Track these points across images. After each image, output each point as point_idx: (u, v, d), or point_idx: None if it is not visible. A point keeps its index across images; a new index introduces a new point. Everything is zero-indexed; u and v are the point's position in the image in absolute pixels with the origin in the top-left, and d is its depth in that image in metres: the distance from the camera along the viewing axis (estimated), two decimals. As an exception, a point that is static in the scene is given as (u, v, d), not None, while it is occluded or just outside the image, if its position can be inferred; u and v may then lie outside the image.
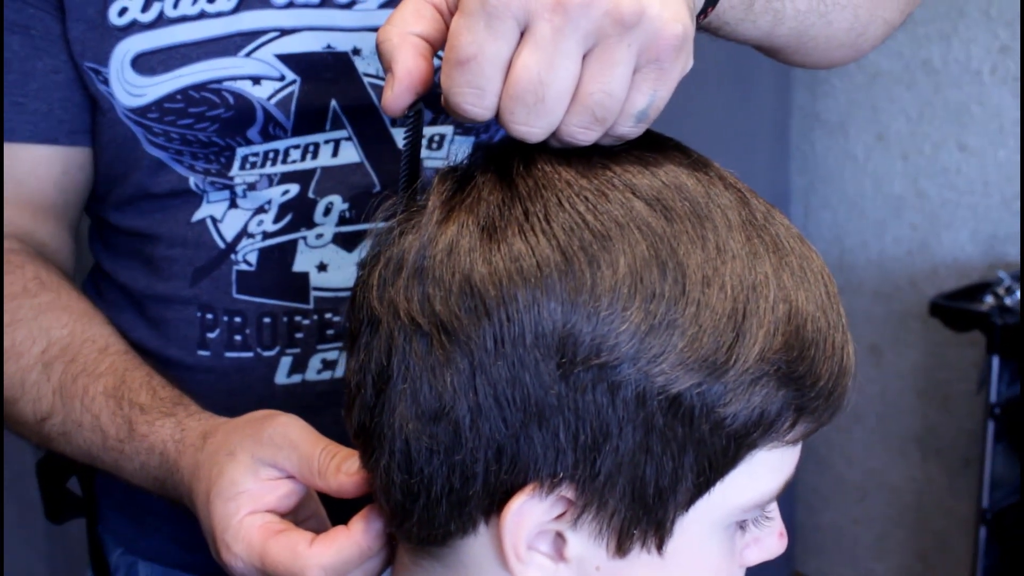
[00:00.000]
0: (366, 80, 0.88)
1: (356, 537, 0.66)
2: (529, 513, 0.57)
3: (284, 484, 0.70)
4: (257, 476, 0.70)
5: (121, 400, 0.83)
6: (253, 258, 0.91)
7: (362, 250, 0.85)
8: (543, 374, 0.55)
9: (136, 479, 0.82)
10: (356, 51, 0.87)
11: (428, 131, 0.90)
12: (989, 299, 1.87)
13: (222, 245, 0.91)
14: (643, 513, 0.57)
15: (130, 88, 0.86)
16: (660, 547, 0.58)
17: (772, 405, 0.56)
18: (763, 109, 2.43)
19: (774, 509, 0.64)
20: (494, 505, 0.57)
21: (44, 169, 0.92)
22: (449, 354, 0.55)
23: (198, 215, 0.91)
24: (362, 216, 0.90)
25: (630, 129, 0.57)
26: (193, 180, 0.89)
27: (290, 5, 0.86)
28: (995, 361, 1.81)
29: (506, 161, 0.59)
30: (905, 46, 2.30)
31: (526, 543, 0.58)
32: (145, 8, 0.85)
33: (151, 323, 0.95)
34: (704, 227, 0.57)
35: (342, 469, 0.67)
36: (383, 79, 0.85)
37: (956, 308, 1.88)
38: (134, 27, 0.85)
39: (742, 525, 0.62)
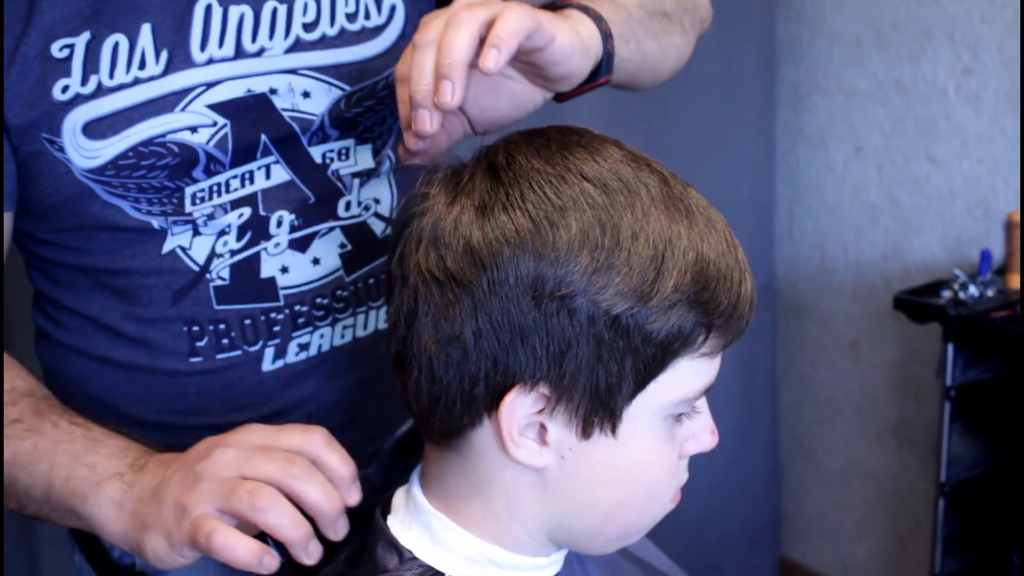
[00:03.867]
0: (285, 114, 0.99)
1: None
2: (519, 406, 0.75)
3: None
4: None
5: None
6: (226, 274, 1.00)
7: (313, 247, 1.03)
8: (523, 305, 0.73)
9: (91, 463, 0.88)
10: (273, 91, 0.97)
11: (336, 145, 1.02)
12: (946, 294, 1.98)
13: (196, 268, 0.99)
14: (599, 404, 0.75)
15: (84, 152, 0.92)
16: (614, 430, 0.76)
17: (686, 323, 0.74)
18: (750, 125, 2.48)
19: (703, 405, 0.81)
20: (494, 402, 0.75)
21: (6, 235, 0.98)
22: (458, 296, 0.74)
23: (167, 247, 0.99)
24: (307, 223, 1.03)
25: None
26: (156, 223, 0.97)
27: (209, 62, 0.95)
28: (950, 349, 1.90)
29: (494, 156, 0.78)
30: (879, 67, 2.34)
31: (518, 430, 0.76)
32: (84, 82, 0.92)
33: (136, 342, 1.02)
34: (633, 199, 0.74)
35: None
36: (298, 112, 0.99)
37: (916, 302, 1.99)
38: (77, 100, 0.92)
39: (677, 418, 0.79)
